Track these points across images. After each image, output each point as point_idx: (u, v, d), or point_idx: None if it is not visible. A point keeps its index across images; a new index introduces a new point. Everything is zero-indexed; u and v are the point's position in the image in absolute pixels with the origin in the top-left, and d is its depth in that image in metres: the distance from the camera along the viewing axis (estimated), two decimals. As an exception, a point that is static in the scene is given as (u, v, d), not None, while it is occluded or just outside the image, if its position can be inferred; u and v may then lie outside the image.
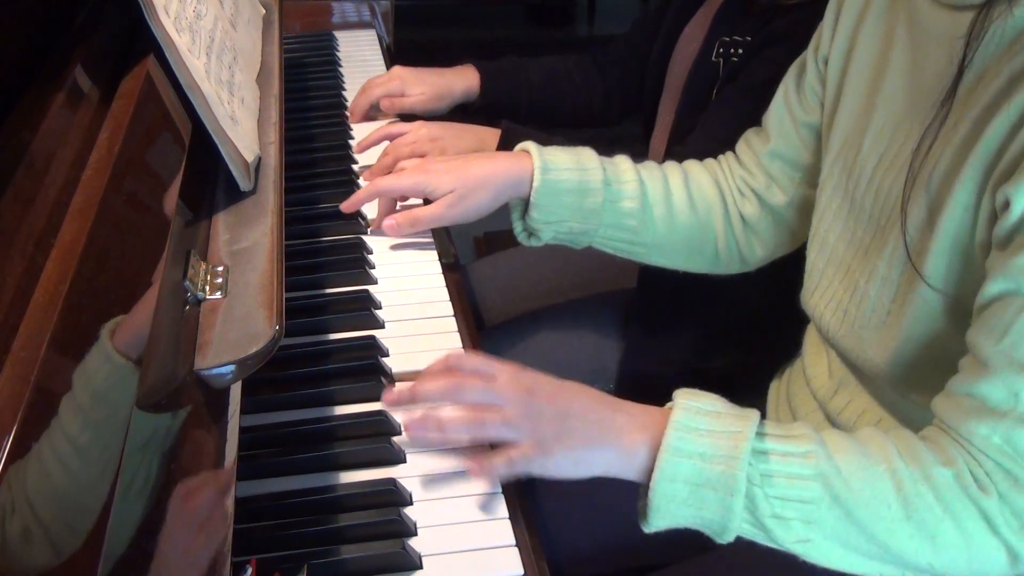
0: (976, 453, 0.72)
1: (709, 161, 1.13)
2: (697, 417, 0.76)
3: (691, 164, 1.13)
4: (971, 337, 0.74)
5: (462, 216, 1.07)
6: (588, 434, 0.78)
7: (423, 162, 1.11)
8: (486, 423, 0.79)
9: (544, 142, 1.22)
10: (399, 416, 0.87)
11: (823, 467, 0.73)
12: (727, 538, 0.76)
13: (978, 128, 0.76)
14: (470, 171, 1.06)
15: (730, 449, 0.74)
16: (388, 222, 1.11)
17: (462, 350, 0.89)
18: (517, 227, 1.10)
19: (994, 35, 0.76)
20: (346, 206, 1.13)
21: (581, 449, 0.78)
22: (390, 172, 1.24)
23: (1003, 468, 0.71)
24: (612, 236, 1.08)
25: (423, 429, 0.80)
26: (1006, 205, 0.72)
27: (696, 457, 0.75)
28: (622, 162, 1.09)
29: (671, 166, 1.12)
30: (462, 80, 1.42)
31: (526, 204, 1.07)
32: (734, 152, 1.12)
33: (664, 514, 0.76)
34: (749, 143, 1.10)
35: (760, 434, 0.75)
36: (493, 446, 0.82)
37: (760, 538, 0.76)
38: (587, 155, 1.07)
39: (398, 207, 1.15)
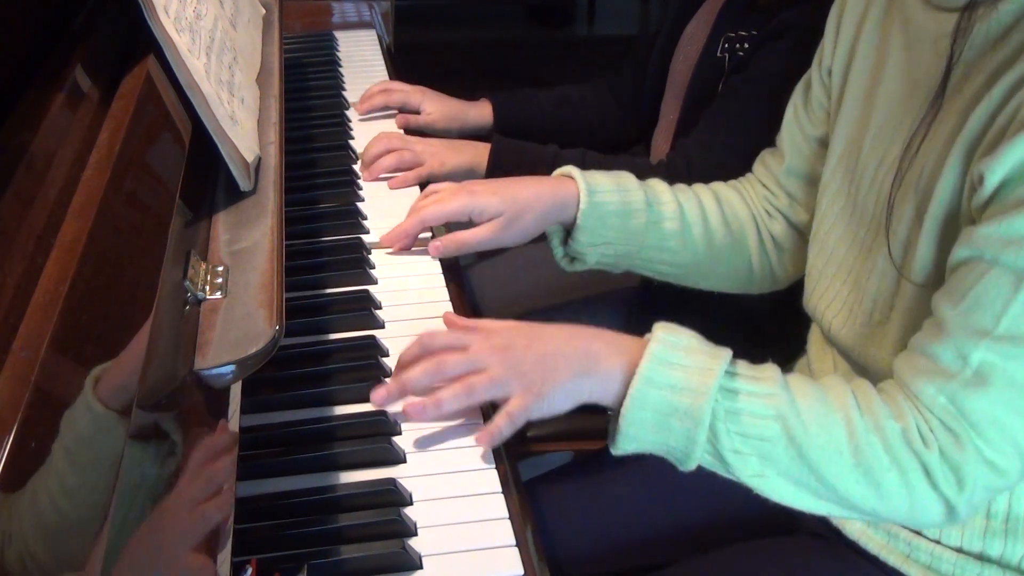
0: (923, 410, 0.76)
1: (734, 183, 1.14)
2: (672, 351, 0.80)
3: (718, 185, 1.13)
4: (934, 299, 0.78)
5: (510, 240, 1.05)
6: (571, 366, 0.83)
7: (465, 184, 1.09)
8: (476, 387, 0.83)
9: (535, 152, 1.23)
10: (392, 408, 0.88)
11: (784, 409, 0.78)
12: (689, 466, 0.81)
13: (962, 119, 0.78)
14: (517, 194, 1.04)
15: (699, 384, 0.78)
16: (435, 243, 1.08)
17: (435, 330, 0.90)
18: (558, 253, 1.10)
19: (979, 33, 0.78)
20: (394, 242, 1.10)
21: (569, 382, 0.83)
22: (393, 171, 1.25)
23: (946, 427, 0.75)
24: (653, 258, 1.08)
25: (422, 414, 0.84)
26: (980, 180, 0.74)
27: (667, 388, 0.79)
28: (657, 184, 1.09)
29: (700, 188, 1.12)
30: (477, 110, 1.46)
31: (565, 230, 1.07)
32: (753, 173, 1.13)
33: (631, 438, 0.81)
34: (766, 164, 1.11)
35: (731, 373, 0.80)
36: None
37: (720, 469, 0.81)
38: (626, 177, 1.07)
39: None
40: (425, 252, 1.11)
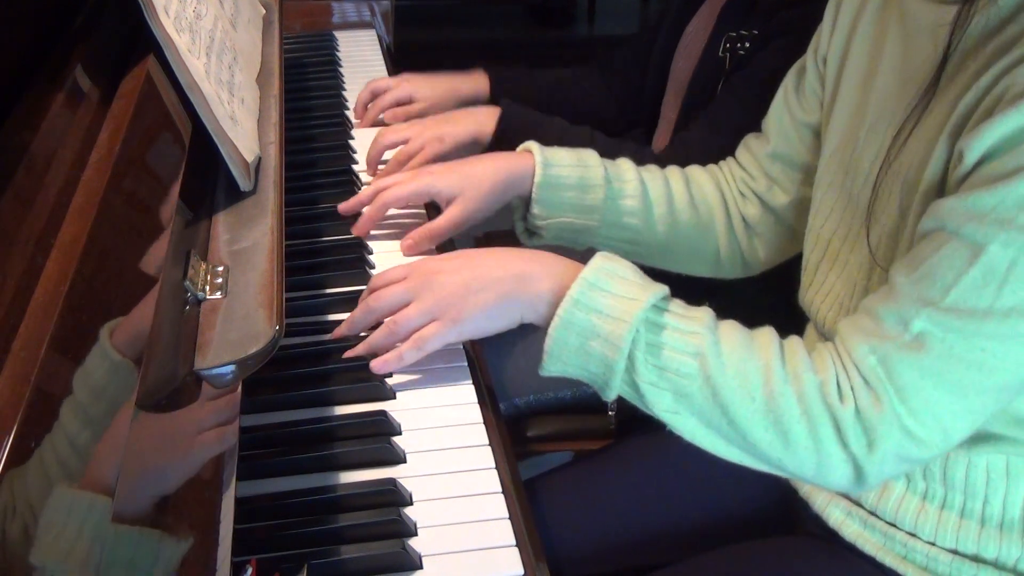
0: (849, 366, 0.76)
1: (711, 166, 1.14)
2: (605, 278, 0.81)
3: (692, 168, 1.14)
4: (893, 266, 0.78)
5: (474, 216, 1.06)
6: (498, 289, 0.86)
7: (422, 167, 1.11)
8: (399, 323, 0.88)
9: (544, 124, 1.22)
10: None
11: (705, 348, 0.78)
12: (610, 396, 0.82)
13: (951, 107, 0.78)
14: (473, 170, 1.06)
15: (622, 313, 0.79)
16: (406, 242, 1.09)
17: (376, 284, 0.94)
18: (519, 226, 1.11)
19: (977, 24, 0.78)
20: (362, 230, 1.12)
21: (493, 305, 0.86)
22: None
23: (869, 386, 0.75)
24: (613, 235, 1.08)
25: (367, 358, 0.90)
26: (960, 157, 0.74)
27: (593, 312, 0.80)
28: (623, 162, 1.09)
29: (672, 169, 1.12)
30: (470, 82, 1.44)
31: (527, 204, 1.07)
32: (734, 157, 1.13)
33: (557, 360, 0.83)
34: (749, 147, 1.11)
35: (659, 308, 0.80)
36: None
37: (636, 402, 0.82)
38: (588, 153, 1.08)
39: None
40: (426, 253, 1.11)
